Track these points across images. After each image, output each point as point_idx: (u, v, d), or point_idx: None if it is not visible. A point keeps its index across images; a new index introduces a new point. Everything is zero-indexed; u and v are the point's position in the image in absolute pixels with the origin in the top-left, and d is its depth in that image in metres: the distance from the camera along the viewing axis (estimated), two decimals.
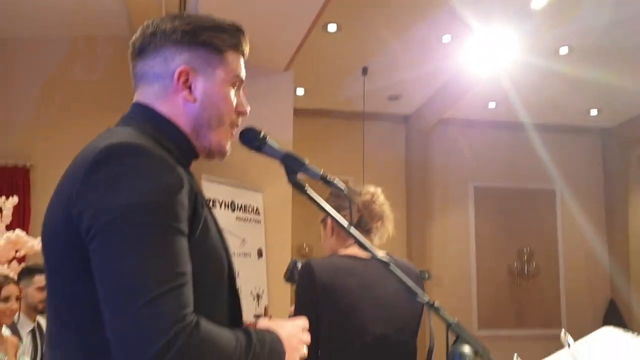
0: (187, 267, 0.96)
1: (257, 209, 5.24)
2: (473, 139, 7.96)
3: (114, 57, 5.36)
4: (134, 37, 1.20)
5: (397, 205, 7.94)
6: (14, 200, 4.27)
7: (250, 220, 5.14)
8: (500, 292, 8.01)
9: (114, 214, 0.93)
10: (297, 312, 1.78)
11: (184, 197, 0.99)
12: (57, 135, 5.28)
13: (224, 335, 0.98)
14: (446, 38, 5.85)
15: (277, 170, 4.82)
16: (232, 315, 1.13)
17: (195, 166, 1.24)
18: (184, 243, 0.97)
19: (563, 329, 1.04)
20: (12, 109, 5.34)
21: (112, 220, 0.93)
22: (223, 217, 4.89)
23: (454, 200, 8.06)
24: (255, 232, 5.06)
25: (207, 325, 0.95)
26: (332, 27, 5.57)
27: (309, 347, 1.20)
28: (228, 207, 4.99)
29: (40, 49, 5.48)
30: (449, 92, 7.08)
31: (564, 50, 5.98)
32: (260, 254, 5.17)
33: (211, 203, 4.83)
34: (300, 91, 6.94)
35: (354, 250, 1.94)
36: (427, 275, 7.64)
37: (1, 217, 4.18)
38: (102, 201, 0.94)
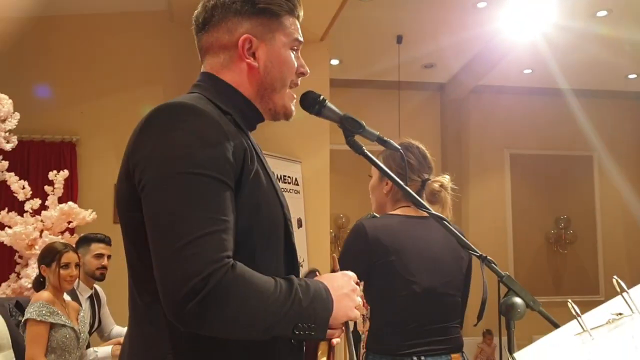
0: (228, 215, 1.01)
1: (296, 180, 5.32)
2: (508, 106, 7.88)
3: (153, 31, 5.44)
4: (196, 12, 1.26)
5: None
6: (64, 173, 4.45)
7: (289, 190, 5.23)
8: (537, 259, 8.00)
9: (160, 164, 1.01)
10: (345, 267, 1.89)
11: (228, 153, 1.05)
12: (101, 109, 5.42)
13: (263, 279, 1.02)
14: (481, 3, 5.78)
15: (315, 141, 4.97)
16: (288, 268, 1.18)
17: None
18: (226, 193, 1.02)
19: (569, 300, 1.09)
20: (57, 86, 5.49)
21: (158, 170, 1.01)
22: None
23: (489, 168, 8.03)
24: (295, 202, 5.15)
25: (244, 269, 0.99)
26: None
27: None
28: None
29: (82, 26, 5.60)
30: (484, 59, 7.01)
31: (602, 13, 5.85)
32: (300, 224, 5.27)
33: None
34: (335, 62, 6.95)
35: (405, 210, 2.08)
36: None
37: (53, 190, 4.36)
38: (150, 153, 1.03)
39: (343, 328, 1.17)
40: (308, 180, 5.54)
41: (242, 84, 1.22)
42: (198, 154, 1.01)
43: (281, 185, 5.16)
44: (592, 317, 1.06)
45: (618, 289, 0.99)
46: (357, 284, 1.18)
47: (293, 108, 1.30)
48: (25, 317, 2.78)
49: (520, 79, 7.57)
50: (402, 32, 6.44)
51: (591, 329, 0.98)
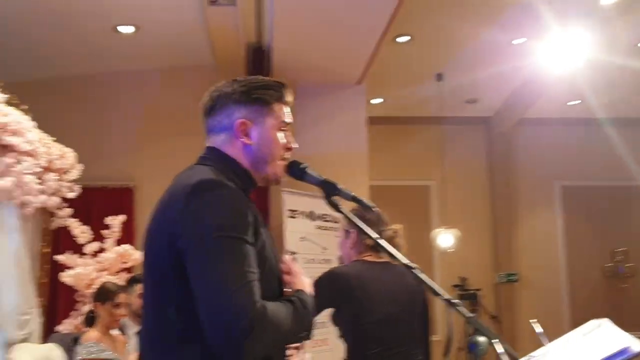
0: (256, 268, 1.30)
1: (335, 218, 5.52)
2: (556, 137, 7.85)
3: (200, 84, 5.82)
4: (204, 99, 1.57)
5: (481, 207, 8.10)
6: (120, 218, 4.84)
7: (329, 228, 5.43)
8: (594, 294, 7.80)
9: (204, 232, 1.28)
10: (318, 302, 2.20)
11: (251, 218, 1.34)
12: (155, 157, 5.82)
13: (281, 308, 1.34)
14: (518, 39, 5.89)
15: (355, 179, 5.21)
16: (280, 294, 1.48)
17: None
18: (252, 251, 1.31)
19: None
20: (116, 136, 5.96)
21: (202, 236, 1.28)
22: (303, 226, 5.21)
23: (540, 200, 7.97)
24: (335, 239, 5.33)
25: (270, 306, 1.29)
26: (403, 38, 5.79)
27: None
28: (308, 216, 5.30)
29: (136, 81, 6.09)
30: (527, 92, 7.06)
31: None
32: (341, 261, 5.45)
33: (292, 213, 5.17)
34: (376, 100, 7.18)
35: (367, 257, 2.53)
36: (515, 278, 7.62)
37: (111, 233, 4.75)
38: (196, 223, 1.30)
39: None
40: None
41: (239, 158, 1.50)
42: (231, 222, 1.30)
43: (320, 223, 5.37)
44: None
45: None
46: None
47: (282, 174, 1.58)
48: (77, 358, 3.06)
49: (566, 110, 7.56)
50: (441, 70, 6.61)
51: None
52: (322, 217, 5.41)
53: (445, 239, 6.62)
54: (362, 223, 1.65)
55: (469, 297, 7.29)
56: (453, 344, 1.97)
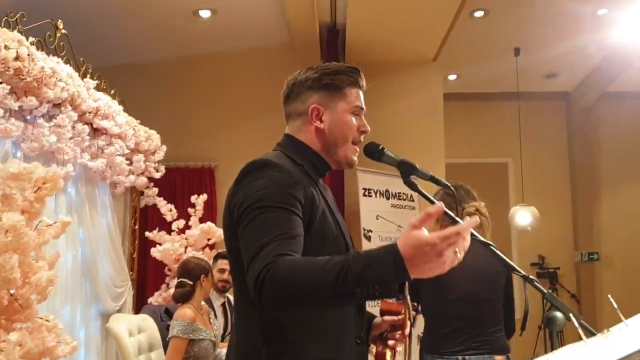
0: (292, 229, 1.32)
1: (411, 196, 5.54)
2: None
3: (277, 65, 5.97)
4: (283, 88, 1.65)
5: (560, 184, 7.88)
6: (204, 197, 5.07)
7: (404, 207, 5.46)
8: None
9: (247, 205, 1.37)
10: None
11: (298, 193, 1.40)
12: (236, 137, 6.02)
13: (312, 259, 1.24)
14: (601, 10, 5.63)
15: (431, 157, 5.23)
16: None
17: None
18: (291, 216, 1.35)
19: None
20: (197, 118, 6.21)
21: (245, 209, 1.37)
22: (378, 205, 5.27)
23: (623, 177, 7.62)
24: (410, 217, 5.36)
25: (288, 258, 1.23)
26: (479, 13, 5.67)
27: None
28: (383, 195, 5.35)
29: (215, 64, 6.30)
30: (609, 65, 6.74)
31: None
32: None
33: (367, 192, 5.24)
34: (452, 77, 7.08)
35: None
36: (596, 257, 7.38)
37: (195, 211, 4.99)
38: (241, 199, 1.39)
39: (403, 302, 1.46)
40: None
41: (313, 142, 1.58)
42: (273, 193, 1.37)
43: (395, 202, 5.41)
44: None
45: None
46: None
47: (355, 159, 1.62)
48: (171, 335, 3.24)
49: None
50: (519, 44, 6.42)
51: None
52: (397, 196, 5.45)
53: (522, 217, 6.48)
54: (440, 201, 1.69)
55: (548, 275, 7.15)
56: (529, 321, 1.97)
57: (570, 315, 1.50)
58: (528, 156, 7.37)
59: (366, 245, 5.10)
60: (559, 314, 1.52)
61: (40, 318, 2.12)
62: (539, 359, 1.32)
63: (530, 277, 1.58)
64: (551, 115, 7.77)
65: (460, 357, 2.36)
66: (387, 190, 5.39)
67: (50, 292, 2.12)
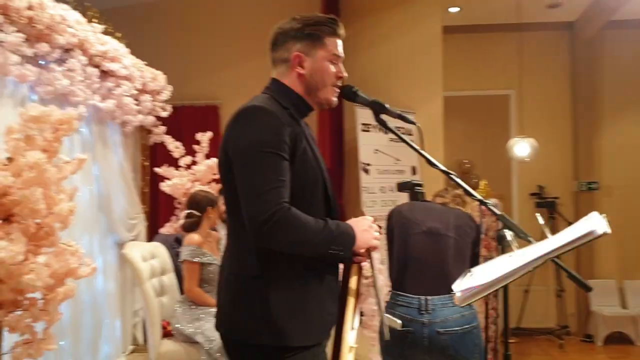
0: (285, 176, 1.61)
1: (410, 131, 5.72)
2: None
3: (280, 5, 6.02)
4: (270, 36, 1.84)
5: (561, 115, 8.02)
6: (209, 134, 5.30)
7: (402, 141, 5.65)
8: None
9: (243, 148, 1.63)
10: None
11: (285, 136, 1.64)
12: (238, 77, 6.16)
13: (307, 217, 1.62)
14: None
15: (428, 90, 5.44)
16: (327, 209, 1.79)
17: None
18: (283, 162, 1.63)
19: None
20: (201, 58, 6.34)
21: (242, 152, 1.63)
22: (376, 139, 5.47)
23: (625, 108, 7.71)
24: (408, 150, 5.55)
25: (295, 210, 1.59)
26: None
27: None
28: (381, 130, 5.52)
29: (218, 3, 6.37)
30: None
31: None
32: (414, 171, 5.70)
33: (365, 127, 5.42)
34: (454, 9, 7.09)
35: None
36: (596, 186, 7.57)
37: (201, 148, 5.23)
38: (237, 141, 1.65)
39: (368, 256, 1.72)
40: (422, 129, 5.88)
41: (296, 86, 1.80)
42: (266, 139, 1.62)
43: (393, 136, 5.58)
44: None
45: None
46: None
47: (334, 99, 1.85)
48: (181, 258, 3.57)
49: None
50: None
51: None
52: (395, 130, 5.62)
53: (521, 148, 6.66)
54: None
55: (547, 205, 7.32)
56: (482, 241, 2.34)
57: (522, 234, 1.74)
58: (530, 88, 7.46)
59: (364, 178, 5.34)
60: (508, 232, 1.76)
61: (63, 244, 2.40)
62: (479, 266, 1.58)
63: (485, 200, 1.82)
64: (554, 47, 7.77)
65: (422, 299, 2.52)
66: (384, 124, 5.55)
67: (72, 221, 2.40)
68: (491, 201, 5.08)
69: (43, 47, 3.25)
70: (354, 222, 1.72)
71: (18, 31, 3.01)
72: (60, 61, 3.56)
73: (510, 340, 5.81)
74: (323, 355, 1.78)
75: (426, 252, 2.61)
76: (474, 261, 2.69)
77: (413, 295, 2.52)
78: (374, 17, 6.01)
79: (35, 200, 2.16)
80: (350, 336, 1.74)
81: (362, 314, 3.86)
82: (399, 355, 2.58)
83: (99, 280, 4.32)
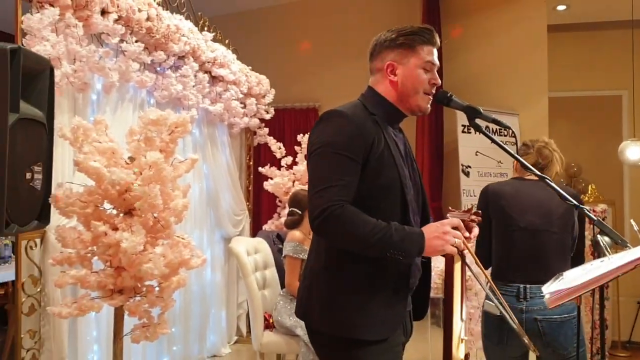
0: (349, 177, 1.68)
1: (512, 132, 5.59)
2: None
3: (380, 10, 6.10)
4: (369, 48, 1.93)
5: None
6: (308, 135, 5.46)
7: (505, 142, 5.55)
8: None
9: (316, 147, 1.73)
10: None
11: (359, 140, 1.71)
12: (337, 79, 6.31)
13: (367, 218, 1.64)
14: None
15: (532, 92, 5.36)
16: (402, 215, 1.79)
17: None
18: (351, 164, 1.69)
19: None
20: (303, 61, 6.55)
21: (314, 150, 1.74)
22: (478, 141, 5.41)
23: None
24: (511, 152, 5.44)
25: (352, 209, 1.64)
26: None
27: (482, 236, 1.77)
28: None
29: (318, 9, 6.54)
30: None
31: None
32: None
33: (466, 129, 5.37)
34: (561, 7, 6.84)
35: (524, 175, 2.73)
36: None
37: (301, 149, 5.41)
38: (313, 141, 1.76)
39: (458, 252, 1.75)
40: (526, 132, 5.75)
41: (388, 93, 1.88)
42: (338, 141, 1.71)
43: (496, 137, 5.50)
44: None
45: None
46: (455, 228, 1.70)
47: (427, 106, 1.90)
48: (284, 254, 3.73)
49: None
50: None
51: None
52: (498, 132, 5.54)
53: (633, 152, 6.29)
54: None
55: None
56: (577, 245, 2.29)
57: (619, 240, 1.71)
58: None
59: (464, 181, 5.30)
60: (606, 238, 1.74)
61: (178, 236, 2.62)
62: (577, 268, 1.58)
63: (582, 206, 1.80)
64: None
65: (521, 287, 2.52)
66: (487, 127, 5.48)
67: (185, 216, 2.62)
68: (600, 207, 4.82)
69: (160, 55, 3.54)
70: (427, 228, 1.71)
71: (137, 41, 3.30)
72: (175, 68, 3.85)
73: (621, 354, 5.53)
74: (393, 353, 1.82)
75: (526, 248, 2.58)
76: (576, 247, 2.66)
77: (511, 284, 2.56)
78: (475, 18, 5.94)
79: (154, 196, 2.38)
80: (459, 328, 1.78)
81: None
82: (498, 341, 2.62)
83: (207, 272, 4.62)
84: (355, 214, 1.65)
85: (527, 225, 2.58)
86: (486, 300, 2.62)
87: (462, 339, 1.81)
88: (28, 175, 2.00)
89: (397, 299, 1.81)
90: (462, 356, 1.87)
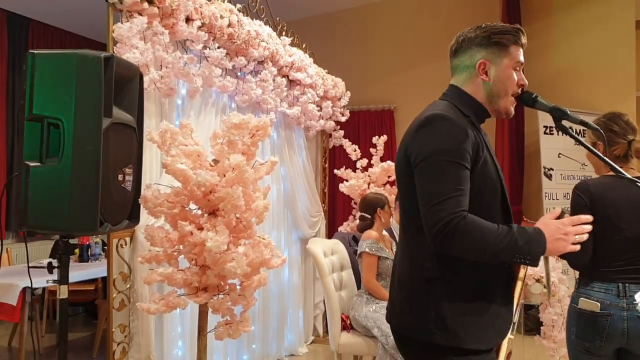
0: (464, 185, 1.60)
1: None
2: None
3: (454, 12, 6.02)
4: (451, 43, 1.87)
5: None
6: (384, 137, 5.46)
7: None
8: None
9: (425, 155, 1.64)
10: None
11: (467, 146, 1.63)
12: (412, 82, 6.28)
13: (488, 224, 1.57)
14: None
15: (619, 92, 5.13)
16: (504, 217, 1.75)
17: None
18: (464, 172, 1.61)
19: None
20: (377, 64, 6.55)
21: (424, 159, 1.65)
22: (561, 142, 5.22)
23: None
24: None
25: (473, 218, 1.56)
26: None
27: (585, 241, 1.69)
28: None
29: (393, 11, 6.53)
30: None
31: None
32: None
33: (548, 130, 5.19)
34: None
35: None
36: None
37: (376, 151, 5.41)
38: (421, 147, 1.67)
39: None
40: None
41: (477, 93, 1.80)
42: (449, 148, 1.63)
43: (580, 139, 5.29)
44: None
45: None
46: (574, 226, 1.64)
47: (512, 109, 1.83)
48: (360, 250, 3.75)
49: None
50: None
51: None
52: (582, 134, 5.32)
53: None
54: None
55: None
56: None
57: None
58: None
59: (546, 183, 5.12)
60: None
61: (259, 237, 2.68)
62: None
63: None
64: None
65: (620, 284, 2.38)
66: (570, 127, 5.28)
67: (265, 217, 2.68)
68: None
69: (240, 60, 3.64)
70: (546, 229, 1.63)
71: (219, 47, 3.40)
72: (254, 72, 3.95)
73: None
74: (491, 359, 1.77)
75: (629, 256, 2.40)
76: None
77: (610, 282, 2.43)
78: (558, 16, 5.73)
79: (237, 197, 2.45)
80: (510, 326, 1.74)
81: (541, 324, 3.73)
82: (593, 338, 2.49)
83: (284, 272, 4.70)
84: (478, 223, 1.58)
85: (633, 236, 2.39)
86: (582, 298, 2.49)
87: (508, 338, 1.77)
88: (120, 177, 2.09)
89: (506, 306, 1.77)
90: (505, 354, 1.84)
